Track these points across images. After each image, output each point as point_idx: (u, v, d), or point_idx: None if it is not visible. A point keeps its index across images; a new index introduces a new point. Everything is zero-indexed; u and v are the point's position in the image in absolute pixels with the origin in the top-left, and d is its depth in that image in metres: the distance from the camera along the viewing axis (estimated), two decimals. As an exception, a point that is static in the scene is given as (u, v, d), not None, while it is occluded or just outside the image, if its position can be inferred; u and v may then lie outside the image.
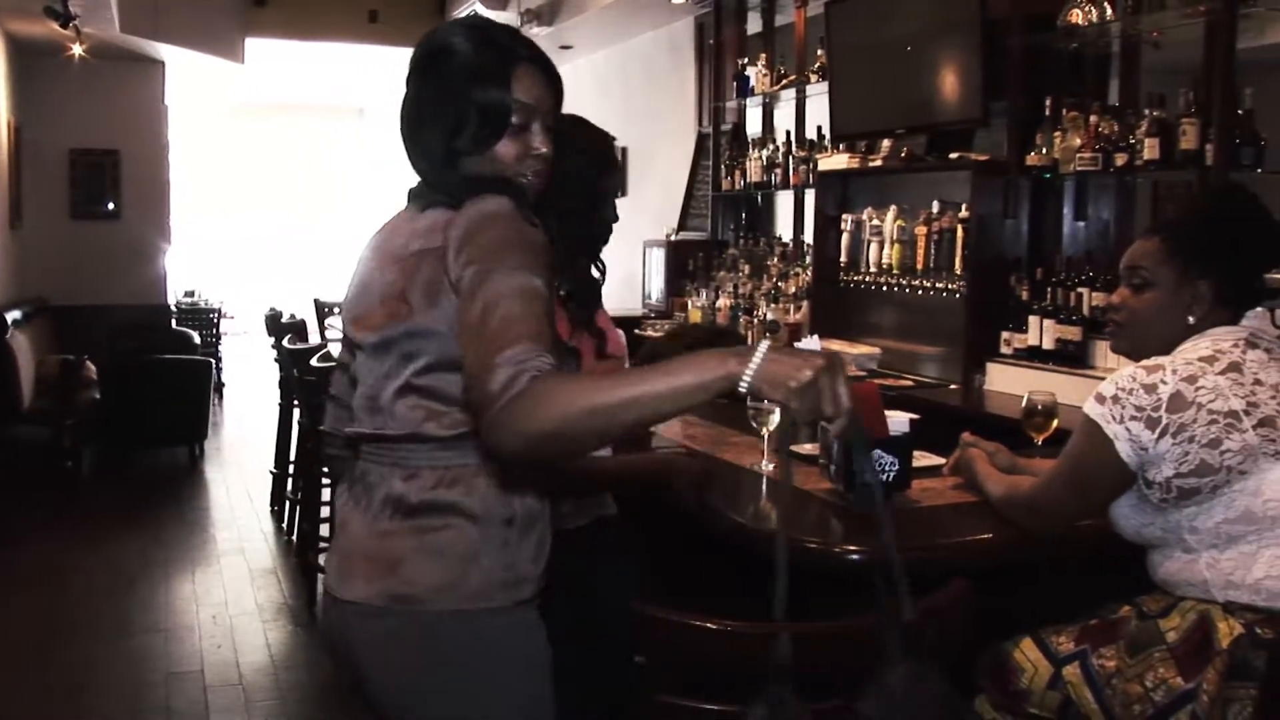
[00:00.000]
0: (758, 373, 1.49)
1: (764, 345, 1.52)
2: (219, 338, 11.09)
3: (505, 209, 1.77)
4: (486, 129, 1.88)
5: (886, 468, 2.46)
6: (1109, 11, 4.26)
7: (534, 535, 1.87)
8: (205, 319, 10.91)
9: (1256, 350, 2.15)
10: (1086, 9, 4.32)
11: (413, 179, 1.96)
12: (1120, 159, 4.18)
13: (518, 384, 1.51)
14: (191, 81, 10.85)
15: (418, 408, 1.81)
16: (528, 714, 1.86)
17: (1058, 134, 4.47)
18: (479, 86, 1.87)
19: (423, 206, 1.87)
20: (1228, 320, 2.21)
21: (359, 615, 1.83)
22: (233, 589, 5.32)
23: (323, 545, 5.09)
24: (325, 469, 4.92)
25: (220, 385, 10.56)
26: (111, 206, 9.67)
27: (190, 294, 11.60)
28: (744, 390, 1.50)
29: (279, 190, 15.20)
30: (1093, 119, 4.31)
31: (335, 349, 5.87)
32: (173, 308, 10.34)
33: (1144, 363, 2.16)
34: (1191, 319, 2.23)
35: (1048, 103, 4.53)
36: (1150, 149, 4.04)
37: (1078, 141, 4.36)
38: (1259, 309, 2.26)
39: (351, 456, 1.96)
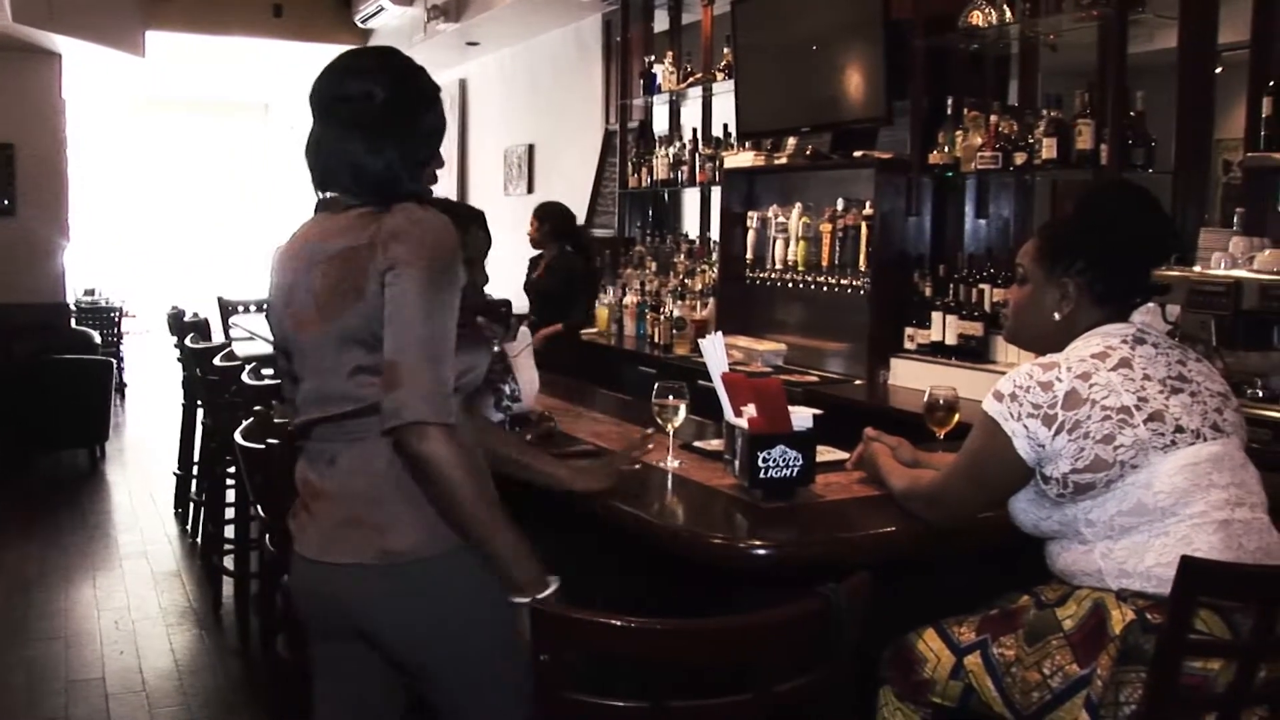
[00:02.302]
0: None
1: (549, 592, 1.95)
2: (120, 337, 10.85)
3: (447, 223, 2.01)
4: (436, 149, 2.17)
5: (791, 463, 2.49)
6: (1008, 14, 4.36)
7: None
8: (106, 318, 10.67)
9: (1145, 345, 2.21)
10: (986, 11, 4.41)
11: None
12: (1019, 158, 4.27)
13: (442, 414, 1.90)
14: (91, 75, 10.60)
15: (369, 384, 1.99)
16: (505, 636, 2.01)
17: (959, 133, 4.55)
18: (437, 110, 2.16)
19: (343, 207, 2.08)
20: (1109, 317, 2.26)
21: (352, 576, 2.03)
22: (135, 593, 5.22)
23: (228, 547, 5.01)
24: (233, 471, 4.87)
25: (122, 385, 10.35)
26: (6, 202, 9.41)
27: (90, 292, 11.33)
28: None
29: (182, 187, 14.92)
30: (993, 119, 4.40)
31: (239, 348, 5.80)
32: (72, 306, 10.07)
33: (1039, 360, 2.21)
34: (1058, 315, 2.30)
35: (949, 102, 4.62)
36: (1048, 148, 4.14)
37: (978, 141, 4.44)
38: (1150, 305, 2.32)
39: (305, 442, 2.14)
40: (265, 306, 2.28)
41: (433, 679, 2.09)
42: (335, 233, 2.04)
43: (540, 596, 1.94)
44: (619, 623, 1.75)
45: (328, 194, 2.13)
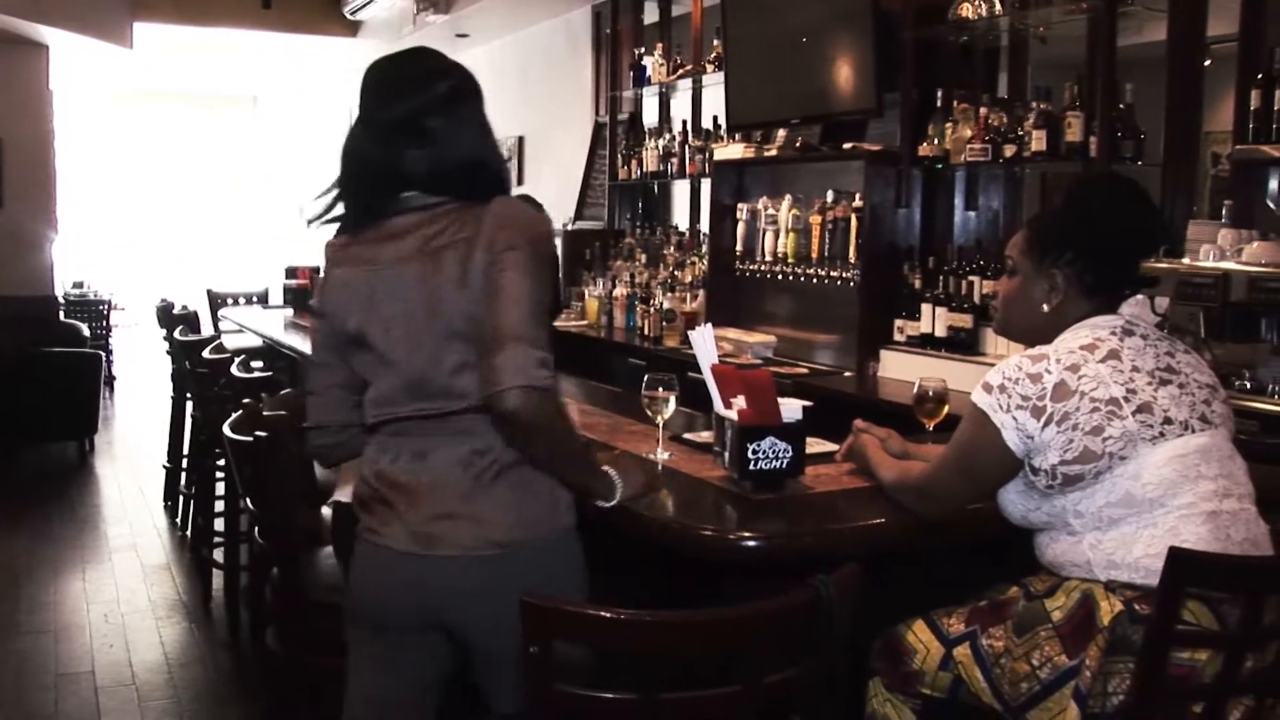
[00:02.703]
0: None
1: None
2: (109, 330, 10.83)
3: (540, 209, 2.27)
4: None
5: (780, 454, 2.49)
6: (997, 6, 4.36)
7: None
8: (95, 310, 10.64)
9: (1133, 337, 2.22)
10: (976, 3, 4.41)
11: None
12: (1009, 150, 4.28)
13: (543, 379, 1.97)
14: (79, 67, 10.57)
15: (470, 380, 2.06)
16: None
17: (948, 125, 4.56)
18: None
19: (422, 205, 2.12)
20: (1098, 309, 2.27)
21: (452, 567, 2.09)
22: (125, 586, 5.21)
23: (217, 540, 5.01)
24: (222, 464, 4.86)
25: (111, 378, 10.32)
26: (-7, 195, 9.38)
27: (79, 285, 11.29)
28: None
29: (171, 179, 14.85)
30: (982, 111, 4.41)
31: (229, 341, 5.78)
32: (60, 299, 10.05)
33: (1029, 352, 2.22)
34: (1046, 307, 2.31)
35: (939, 95, 4.62)
36: (1037, 141, 4.14)
37: (968, 133, 4.45)
38: (1138, 296, 2.32)
39: (366, 435, 2.22)
40: (320, 306, 2.27)
41: (504, 663, 2.10)
42: (424, 228, 2.10)
43: (620, 498, 2.22)
44: (609, 615, 1.76)
45: (402, 193, 2.14)
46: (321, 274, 2.31)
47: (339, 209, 2.22)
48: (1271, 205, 3.65)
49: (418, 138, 2.11)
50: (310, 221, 2.26)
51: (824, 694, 1.89)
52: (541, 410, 1.99)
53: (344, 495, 2.90)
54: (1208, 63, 3.89)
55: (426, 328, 2.08)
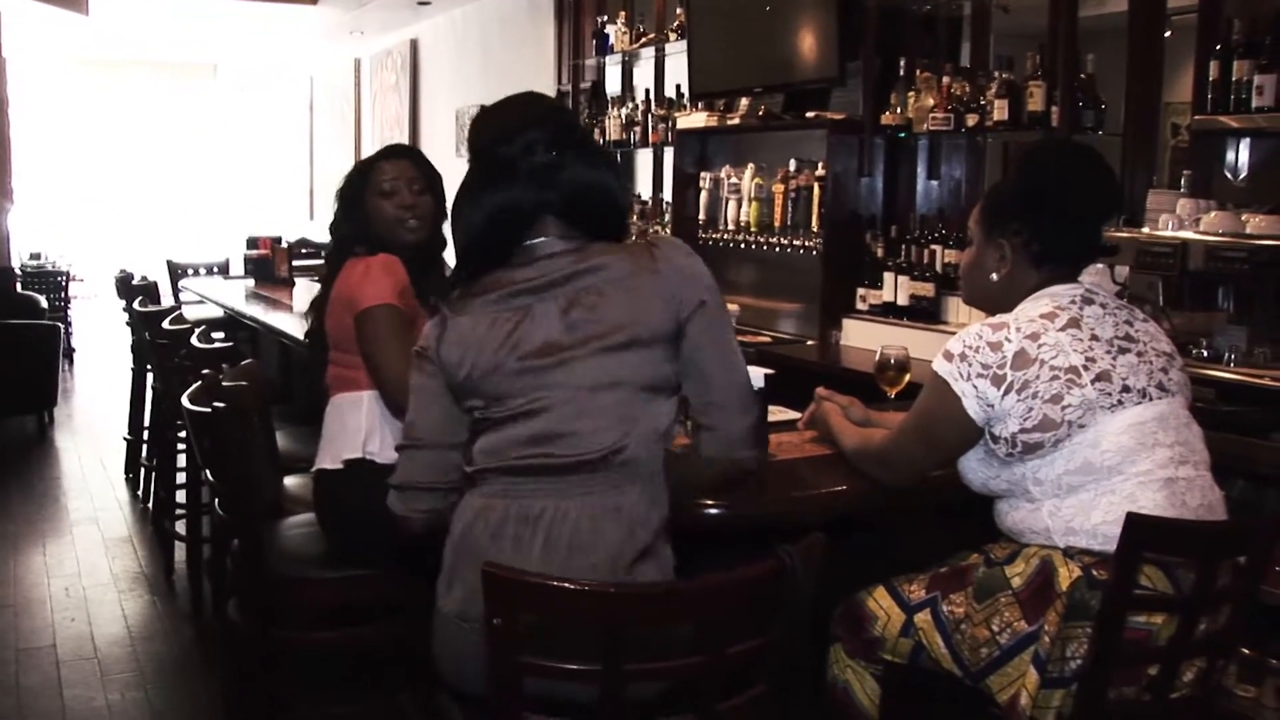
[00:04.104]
0: None
1: None
2: (68, 301, 10.69)
3: None
4: None
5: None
6: (959, -25, 4.36)
7: None
8: (53, 282, 10.50)
9: (1092, 306, 2.23)
10: (938, -29, 4.41)
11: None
12: (971, 119, 4.29)
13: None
14: (32, 33, 10.40)
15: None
16: None
17: (911, 94, 4.56)
18: None
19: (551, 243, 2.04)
20: (1050, 279, 2.28)
21: None
22: (86, 560, 5.17)
23: (179, 512, 4.97)
24: (184, 436, 4.82)
25: (70, 351, 10.20)
26: (-54, 164, 9.24)
27: (36, 256, 11.14)
28: None
29: (130, 148, 14.67)
30: (945, 80, 4.41)
31: (189, 311, 5.73)
32: (17, 270, 9.93)
33: (989, 320, 2.23)
34: (995, 276, 2.32)
35: (902, 64, 4.62)
36: (999, 110, 4.16)
37: (930, 102, 4.45)
38: (1098, 265, 2.34)
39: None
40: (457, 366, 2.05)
41: None
42: (587, 262, 2.01)
43: None
44: (572, 586, 1.76)
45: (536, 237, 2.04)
46: None
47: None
48: (1229, 175, 3.68)
49: (538, 163, 2.03)
50: (456, 285, 2.11)
51: (788, 664, 1.90)
52: None
53: (326, 463, 2.90)
54: (1168, 34, 3.91)
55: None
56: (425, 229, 3.03)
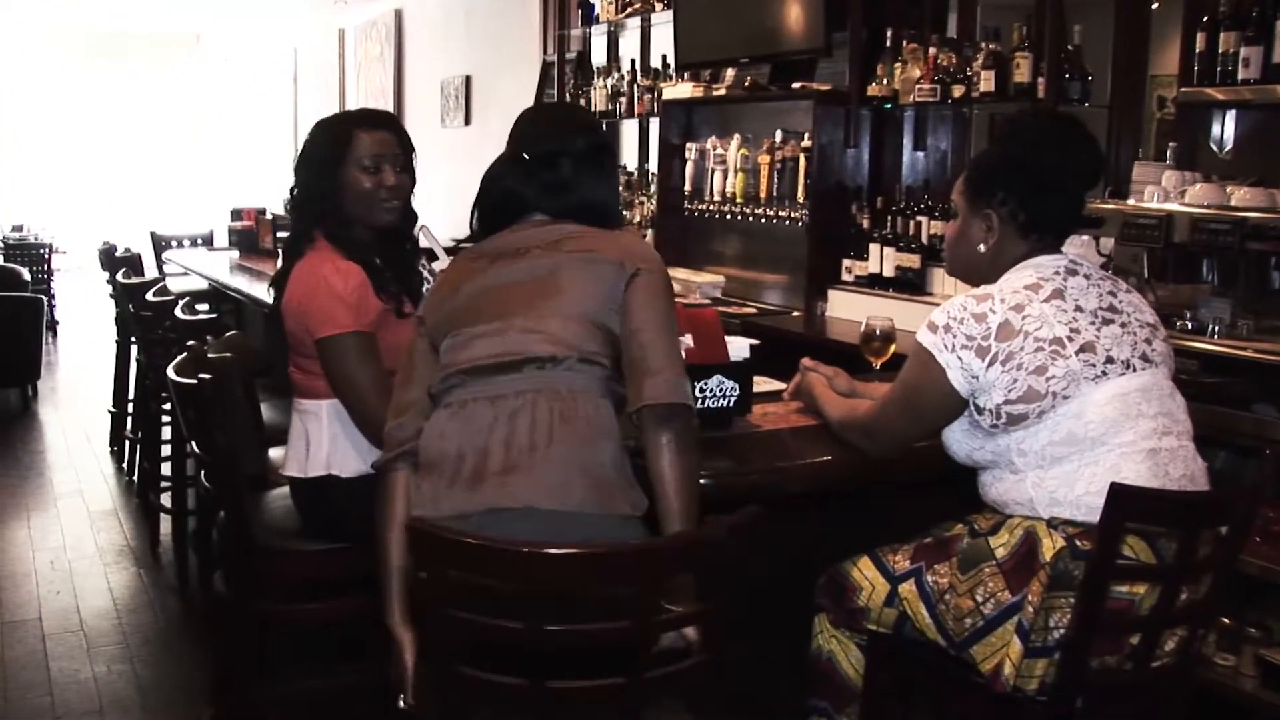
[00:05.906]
0: None
1: None
2: (51, 274, 10.63)
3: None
4: None
5: (727, 393, 2.50)
6: (946, -55, 4.34)
7: None
8: (35, 254, 10.45)
9: (1076, 277, 2.24)
10: (925, -58, 4.39)
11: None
12: (957, 90, 4.28)
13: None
14: (14, 4, 10.31)
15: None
16: None
17: (898, 65, 4.55)
18: None
19: (544, 223, 2.28)
20: (1036, 249, 2.28)
21: (568, 521, 1.99)
22: (71, 533, 5.16)
23: (165, 484, 4.97)
24: (168, 408, 4.80)
25: (54, 323, 10.17)
26: (-74, 135, 9.19)
27: (19, 228, 11.09)
28: None
29: (113, 119, 14.58)
30: (931, 51, 4.40)
31: (173, 283, 5.71)
32: (0, 242, 9.89)
33: (973, 292, 2.23)
34: (983, 248, 2.32)
35: (888, 34, 4.60)
36: (986, 81, 4.14)
37: (917, 73, 4.44)
38: (1084, 237, 2.34)
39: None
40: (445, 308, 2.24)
41: None
42: (567, 240, 2.20)
43: None
44: (494, 546, 1.74)
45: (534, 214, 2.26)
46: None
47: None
48: (1215, 148, 3.68)
49: (552, 174, 2.25)
50: (462, 242, 2.36)
51: (726, 637, 1.89)
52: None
53: (293, 470, 2.87)
54: (1155, 5, 3.90)
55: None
56: (400, 210, 2.88)
